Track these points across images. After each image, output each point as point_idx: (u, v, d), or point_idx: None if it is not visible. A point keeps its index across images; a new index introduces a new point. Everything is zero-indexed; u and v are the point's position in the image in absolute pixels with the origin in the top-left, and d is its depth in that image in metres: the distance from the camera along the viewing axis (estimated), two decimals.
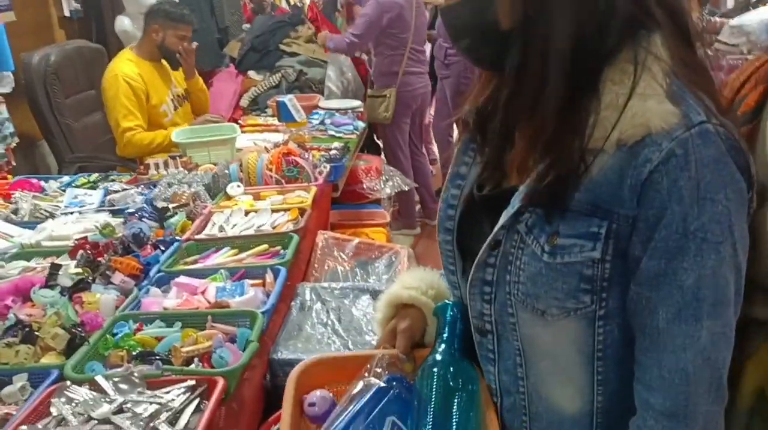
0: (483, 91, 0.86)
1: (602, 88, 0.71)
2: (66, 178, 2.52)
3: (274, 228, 1.91)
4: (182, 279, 1.55)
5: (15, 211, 2.13)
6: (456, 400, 0.84)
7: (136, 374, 1.15)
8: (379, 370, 0.89)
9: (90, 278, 1.51)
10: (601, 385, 0.80)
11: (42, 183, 2.44)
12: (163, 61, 3.10)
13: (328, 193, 2.55)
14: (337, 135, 3.21)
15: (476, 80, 0.88)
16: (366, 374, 0.89)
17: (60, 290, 1.45)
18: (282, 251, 1.77)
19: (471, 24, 0.78)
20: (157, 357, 1.24)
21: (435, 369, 0.86)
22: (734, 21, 4.54)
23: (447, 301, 0.93)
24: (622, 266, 0.74)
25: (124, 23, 3.72)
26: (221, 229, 1.92)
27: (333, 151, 2.67)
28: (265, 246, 1.79)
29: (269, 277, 1.57)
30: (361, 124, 3.41)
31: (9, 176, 2.55)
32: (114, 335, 1.33)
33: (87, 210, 2.11)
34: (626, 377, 0.78)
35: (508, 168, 0.82)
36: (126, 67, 2.95)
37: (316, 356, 1.00)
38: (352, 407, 0.86)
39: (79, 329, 1.31)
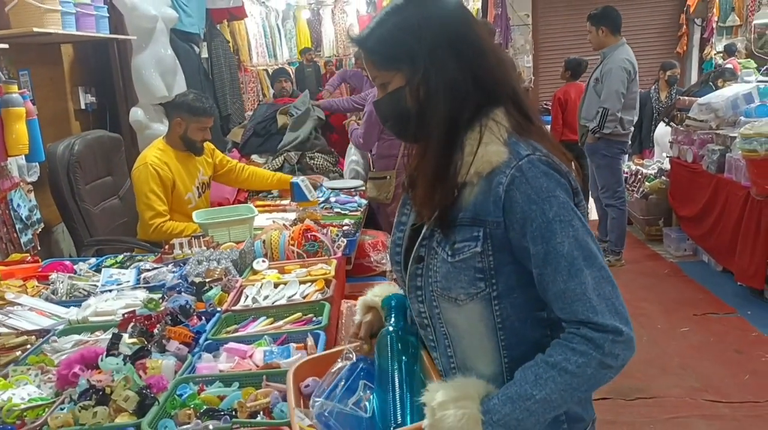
0: (411, 160, 1.25)
1: (465, 144, 1.12)
2: (94, 260, 2.66)
3: (304, 298, 2.07)
4: (231, 345, 1.69)
5: (53, 292, 2.26)
6: (403, 358, 1.21)
7: (211, 428, 1.27)
8: (350, 355, 1.27)
9: (148, 346, 1.64)
10: (506, 349, 1.14)
11: (73, 265, 2.58)
12: None
13: (343, 265, 2.71)
14: (343, 212, 3.41)
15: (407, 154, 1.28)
16: (340, 360, 1.27)
17: (123, 358, 1.58)
18: (315, 319, 1.92)
19: (392, 112, 1.19)
20: (223, 413, 1.36)
21: (384, 341, 1.24)
22: (702, 99, 4.92)
23: (389, 295, 1.30)
24: (503, 258, 1.09)
25: (137, 114, 3.96)
26: (254, 300, 2.07)
27: (346, 227, 2.86)
28: (299, 314, 1.94)
29: (310, 340, 1.71)
30: (363, 202, 3.62)
31: (39, 260, 2.68)
32: (179, 396, 1.45)
33: (123, 287, 2.24)
34: (522, 341, 1.13)
35: (416, 206, 1.21)
36: (156, 156, 3.13)
37: (305, 358, 1.42)
38: (334, 380, 1.22)
39: (147, 391, 1.43)
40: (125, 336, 1.72)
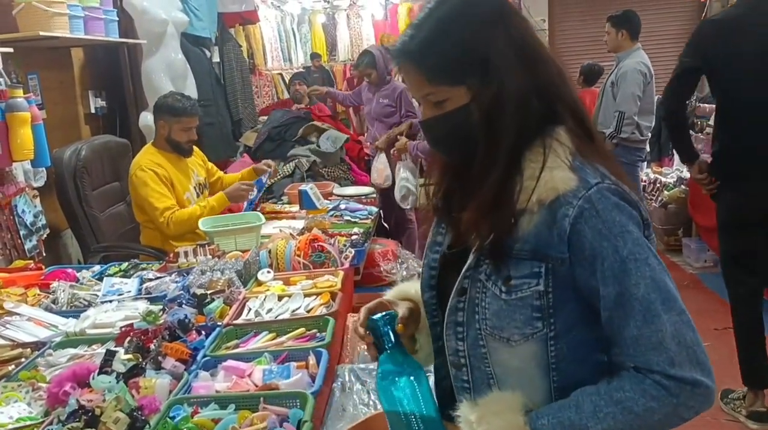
0: (441, 181, 1.13)
1: (524, 166, 0.98)
2: (97, 268, 2.61)
3: (308, 312, 1.99)
4: (229, 363, 1.62)
5: (54, 301, 2.21)
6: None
7: None
8: None
9: (143, 363, 1.57)
10: (557, 392, 1.01)
11: (75, 273, 2.53)
12: None
13: (351, 276, 2.63)
14: (353, 220, 3.34)
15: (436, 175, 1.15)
16: None
17: (116, 376, 1.51)
18: (318, 334, 1.84)
19: (451, 133, 1.04)
20: None
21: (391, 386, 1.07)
22: None
23: (373, 318, 1.11)
24: (565, 295, 0.97)
25: (147, 118, 3.91)
26: (257, 313, 2.00)
27: (354, 237, 2.79)
28: (302, 329, 1.86)
29: (312, 359, 1.64)
30: (374, 210, 3.54)
31: (42, 266, 2.63)
32: (172, 418, 1.38)
33: (125, 298, 2.19)
34: (577, 384, 0.98)
35: (464, 231, 1.05)
36: (149, 159, 3.10)
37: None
38: None
39: (138, 413, 1.36)
40: (120, 352, 1.66)
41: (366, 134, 5.32)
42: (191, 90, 4.06)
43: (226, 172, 4.55)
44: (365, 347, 1.18)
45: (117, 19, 3.51)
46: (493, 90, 0.97)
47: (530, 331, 0.98)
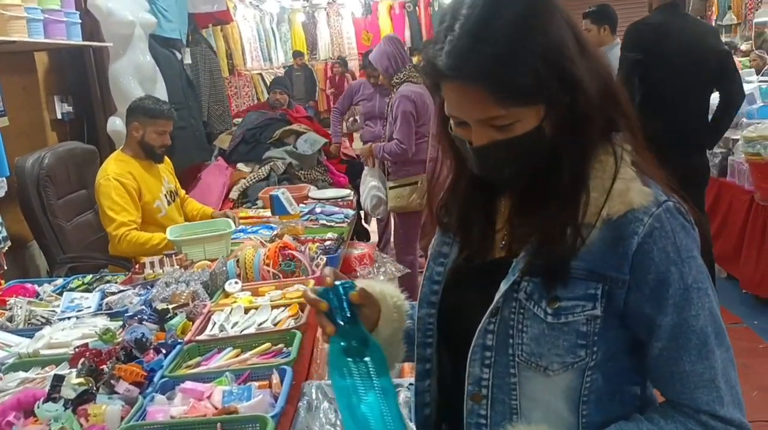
0: (453, 192, 1.02)
1: (591, 177, 0.88)
2: (60, 281, 2.50)
3: (275, 325, 1.91)
4: (187, 384, 1.53)
5: (10, 319, 2.10)
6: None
7: None
8: None
9: (93, 388, 1.48)
10: (585, 426, 0.91)
11: (36, 287, 2.42)
12: None
13: (324, 285, 2.55)
14: (329, 224, 3.25)
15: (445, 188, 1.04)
16: None
17: (63, 403, 1.42)
18: (285, 349, 1.76)
19: (516, 159, 0.89)
20: None
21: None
22: None
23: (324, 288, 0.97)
24: (611, 322, 0.88)
25: (116, 123, 3.80)
26: (222, 328, 1.91)
27: (328, 242, 2.70)
28: (268, 345, 1.78)
29: (275, 378, 1.55)
30: (350, 213, 3.46)
31: (2, 281, 2.52)
32: None
33: (84, 314, 2.09)
34: (607, 419, 0.90)
35: (511, 240, 0.95)
36: (116, 168, 2.98)
37: None
38: None
39: None
40: (72, 375, 1.56)
41: (361, 132, 5.19)
42: (161, 93, 3.94)
43: (200, 177, 4.47)
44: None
45: (80, 21, 3.38)
46: (566, 101, 0.84)
47: (571, 360, 0.88)
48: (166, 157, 3.23)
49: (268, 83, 10.17)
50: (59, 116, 3.80)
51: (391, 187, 3.92)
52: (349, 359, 0.94)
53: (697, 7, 8.68)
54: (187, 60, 4.61)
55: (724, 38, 9.25)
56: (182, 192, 3.45)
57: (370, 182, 3.98)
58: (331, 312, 0.96)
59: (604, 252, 0.86)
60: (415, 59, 4.44)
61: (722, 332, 0.87)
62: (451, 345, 1.02)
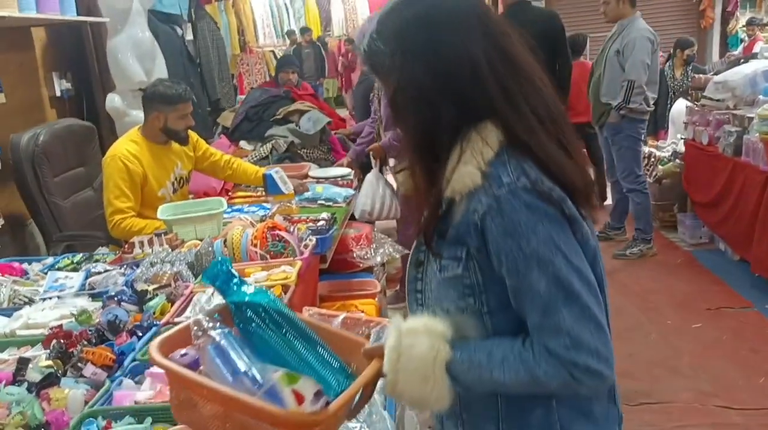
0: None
1: (450, 158, 1.03)
2: (50, 260, 2.48)
3: None
4: (155, 368, 1.49)
5: None
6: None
7: None
8: (208, 326, 1.02)
9: (60, 371, 1.45)
10: None
11: (25, 266, 2.40)
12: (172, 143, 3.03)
13: (315, 266, 2.50)
14: (327, 205, 3.19)
15: None
16: (198, 333, 1.02)
17: (27, 386, 1.39)
18: None
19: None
20: None
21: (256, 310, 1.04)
22: (718, 77, 4.60)
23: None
24: (493, 277, 1.03)
25: (114, 101, 3.77)
26: (202, 310, 1.86)
27: (320, 223, 2.64)
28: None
29: None
30: (350, 192, 3.39)
31: None
32: None
33: (66, 294, 2.06)
34: None
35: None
36: (127, 149, 2.88)
37: (164, 335, 1.10)
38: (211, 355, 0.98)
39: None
40: (41, 358, 1.53)
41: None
42: (161, 69, 3.90)
43: None
44: None
45: None
46: (393, 84, 1.05)
47: (464, 305, 1.05)
48: (191, 132, 3.12)
49: (276, 64, 10.08)
50: (58, 93, 3.77)
51: (396, 172, 3.84)
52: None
53: None
54: (189, 36, 4.54)
55: (748, 14, 8.97)
56: (216, 155, 3.31)
57: (379, 186, 3.82)
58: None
59: (462, 223, 1.02)
60: None
61: (572, 295, 0.97)
62: None
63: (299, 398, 0.92)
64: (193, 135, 3.19)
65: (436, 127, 1.04)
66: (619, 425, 1.18)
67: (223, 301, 1.09)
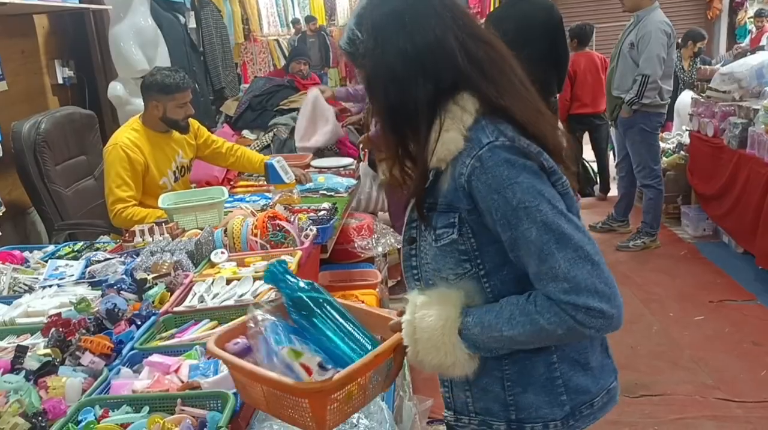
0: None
1: (432, 129, 1.11)
2: (51, 248, 2.48)
3: (255, 297, 1.86)
4: (155, 357, 1.49)
5: None
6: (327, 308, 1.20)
7: None
8: (261, 317, 1.16)
9: (58, 360, 1.45)
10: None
11: (26, 254, 2.40)
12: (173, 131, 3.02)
13: (315, 256, 2.49)
14: (329, 194, 3.18)
15: None
16: (252, 325, 1.16)
17: (25, 374, 1.39)
18: None
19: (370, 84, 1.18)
20: None
21: (301, 302, 1.19)
22: (724, 68, 4.56)
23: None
24: (485, 239, 1.11)
25: (116, 89, 3.75)
26: (201, 299, 1.86)
27: (321, 212, 2.64)
28: (245, 318, 1.73)
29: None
30: (352, 182, 3.38)
31: None
32: (78, 422, 1.26)
33: (66, 282, 2.06)
34: None
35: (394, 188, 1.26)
36: (128, 137, 2.87)
37: (217, 333, 1.28)
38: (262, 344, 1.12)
39: (41, 418, 1.24)
40: (39, 346, 1.53)
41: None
42: (163, 58, 3.88)
43: None
44: None
45: None
46: (368, 69, 1.14)
47: (462, 271, 1.14)
48: (192, 121, 3.11)
49: (285, 49, 10.01)
50: (60, 81, 3.76)
51: (380, 160, 3.83)
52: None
53: None
54: (192, 24, 4.52)
55: (756, 5, 8.88)
56: (218, 142, 3.30)
57: (367, 180, 3.86)
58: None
59: (451, 189, 1.10)
60: None
61: (564, 237, 1.03)
62: None
63: (308, 371, 1.04)
64: (194, 123, 3.18)
65: (415, 104, 1.10)
66: (616, 378, 1.27)
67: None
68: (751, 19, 8.42)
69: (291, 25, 10.29)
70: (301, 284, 1.22)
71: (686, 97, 5.62)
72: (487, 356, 1.14)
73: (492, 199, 1.05)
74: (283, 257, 2.12)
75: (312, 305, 1.18)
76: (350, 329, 1.19)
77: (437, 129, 1.09)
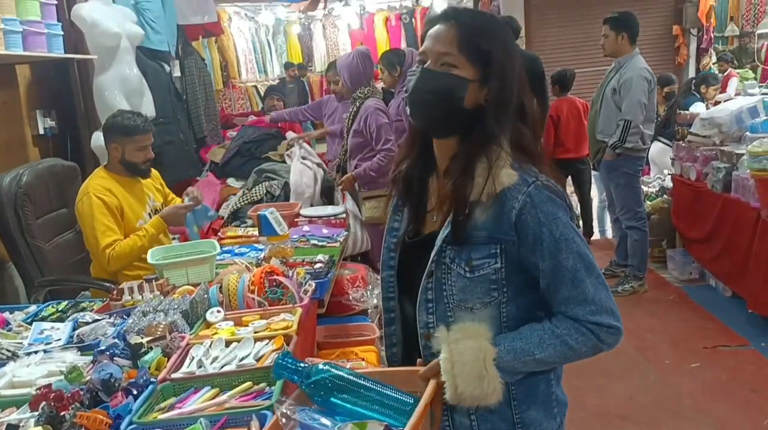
0: (403, 160, 1.41)
1: (475, 167, 1.25)
2: (33, 308, 2.35)
3: (257, 360, 1.76)
4: None
5: None
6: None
7: None
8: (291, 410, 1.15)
9: None
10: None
11: (7, 315, 2.27)
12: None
13: (313, 312, 2.41)
14: (320, 244, 3.11)
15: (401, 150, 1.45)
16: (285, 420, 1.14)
17: None
18: (268, 389, 1.62)
19: (441, 92, 1.27)
20: None
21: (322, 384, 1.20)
22: (704, 114, 4.64)
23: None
24: (513, 268, 1.25)
25: (100, 139, 3.65)
26: (200, 364, 1.76)
27: (318, 265, 2.56)
28: (248, 384, 1.63)
29: (255, 425, 1.41)
30: (343, 232, 3.32)
31: None
32: None
33: (53, 347, 1.94)
34: None
35: (433, 216, 1.33)
36: (98, 184, 2.86)
37: None
38: None
39: None
40: (30, 422, 1.42)
41: (326, 152, 5.00)
42: (148, 107, 3.82)
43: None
44: None
45: (62, 33, 3.27)
46: (492, 87, 1.24)
47: (489, 299, 1.25)
48: (153, 170, 3.10)
49: (263, 94, 10.05)
50: (41, 131, 3.66)
51: (365, 198, 3.84)
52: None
53: (692, 18, 8.61)
54: (176, 73, 4.48)
55: (721, 48, 9.18)
56: (174, 197, 3.27)
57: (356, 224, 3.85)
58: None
59: (496, 221, 1.22)
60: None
61: (591, 265, 1.23)
62: (410, 298, 1.35)
63: None
64: (158, 176, 3.18)
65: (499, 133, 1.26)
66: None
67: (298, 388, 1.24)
68: (716, 65, 8.67)
69: (284, 68, 10.52)
70: (312, 370, 1.23)
71: (657, 146, 5.73)
72: (509, 380, 1.25)
73: (541, 232, 1.21)
74: (282, 315, 2.03)
75: (330, 386, 1.20)
76: (379, 391, 1.20)
77: (485, 166, 1.23)
